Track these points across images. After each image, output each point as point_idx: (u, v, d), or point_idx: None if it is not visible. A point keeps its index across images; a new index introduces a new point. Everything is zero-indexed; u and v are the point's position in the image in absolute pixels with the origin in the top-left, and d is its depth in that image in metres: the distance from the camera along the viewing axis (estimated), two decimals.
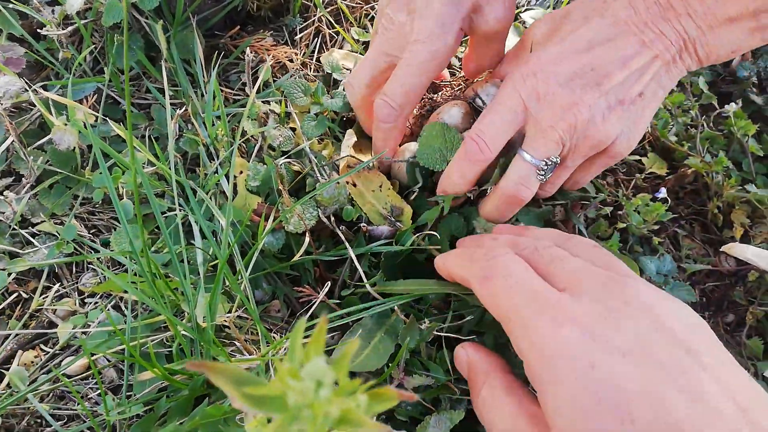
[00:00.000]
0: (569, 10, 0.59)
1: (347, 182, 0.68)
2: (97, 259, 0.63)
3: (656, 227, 0.70)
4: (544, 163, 0.58)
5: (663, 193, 0.68)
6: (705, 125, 0.78)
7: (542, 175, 0.59)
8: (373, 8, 0.87)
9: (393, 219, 0.67)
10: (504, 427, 0.47)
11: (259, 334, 0.57)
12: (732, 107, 0.79)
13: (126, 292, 0.59)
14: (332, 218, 0.67)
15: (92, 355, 0.54)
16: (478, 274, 0.51)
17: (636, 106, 0.57)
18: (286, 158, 0.70)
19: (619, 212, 0.71)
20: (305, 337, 0.59)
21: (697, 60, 0.55)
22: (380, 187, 0.69)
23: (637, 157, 0.78)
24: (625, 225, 0.69)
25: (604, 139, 0.57)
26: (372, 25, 0.83)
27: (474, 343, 0.57)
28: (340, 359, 0.24)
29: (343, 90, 0.77)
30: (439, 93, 0.77)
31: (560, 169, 0.61)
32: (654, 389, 0.38)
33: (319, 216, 0.65)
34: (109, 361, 0.58)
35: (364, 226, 0.66)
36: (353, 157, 0.70)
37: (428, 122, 0.68)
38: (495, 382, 0.51)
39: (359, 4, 0.87)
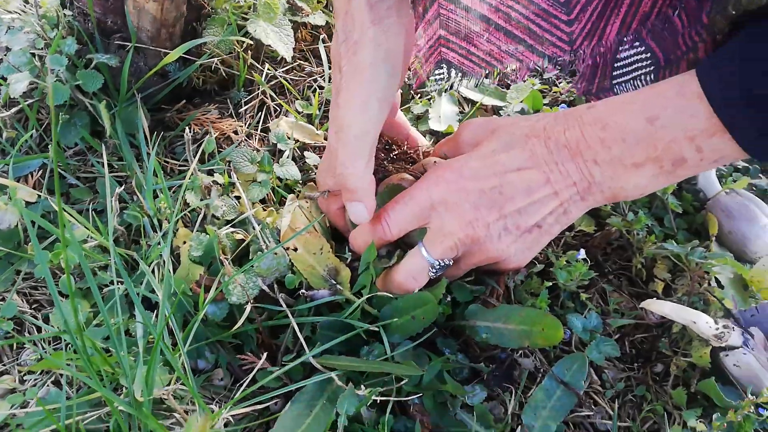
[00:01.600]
0: (498, 128, 0.65)
1: (287, 248, 0.70)
2: (38, 332, 0.64)
3: (585, 283, 0.74)
4: (438, 262, 0.65)
5: (582, 254, 0.72)
6: None
7: (433, 272, 0.66)
8: (315, 80, 0.91)
9: (333, 282, 0.70)
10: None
11: (197, 405, 0.58)
12: None
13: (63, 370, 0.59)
14: (275, 286, 0.69)
15: None
16: None
17: (532, 235, 0.64)
18: (230, 227, 0.73)
19: (551, 269, 0.74)
20: (244, 404, 0.60)
21: (604, 198, 0.61)
22: (321, 249, 0.71)
23: None
24: (554, 282, 0.72)
25: (496, 256, 0.64)
26: (314, 96, 0.87)
27: None
28: None
29: (289, 158, 0.81)
30: (391, 155, 0.80)
31: (452, 269, 0.68)
32: None
33: (260, 285, 0.67)
34: None
35: (303, 293, 0.68)
36: (292, 228, 0.73)
37: (387, 183, 0.72)
38: None
39: (302, 77, 0.92)
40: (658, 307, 0.66)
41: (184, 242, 0.71)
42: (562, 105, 0.94)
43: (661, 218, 0.83)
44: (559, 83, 1.01)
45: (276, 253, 0.67)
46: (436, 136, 0.89)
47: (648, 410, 0.68)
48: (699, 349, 0.67)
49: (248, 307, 0.66)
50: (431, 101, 0.92)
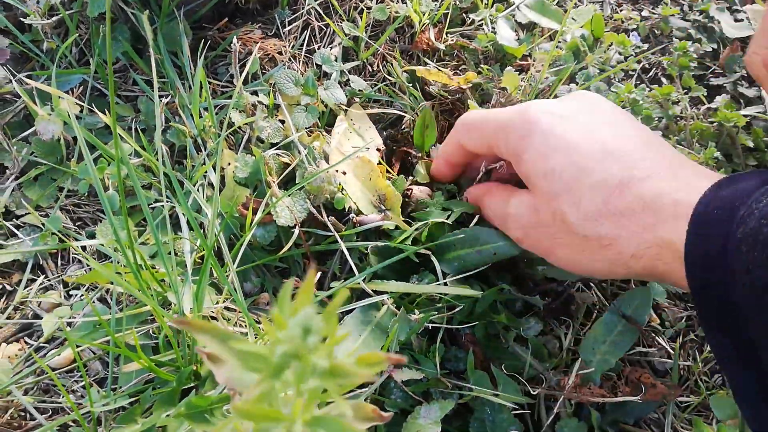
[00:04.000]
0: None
1: (337, 171, 0.67)
2: (83, 249, 0.62)
3: None
4: None
5: None
6: (695, 117, 0.78)
7: None
8: (362, 1, 0.86)
9: (383, 207, 0.67)
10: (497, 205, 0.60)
11: (247, 325, 0.56)
12: (721, 99, 0.79)
13: (112, 283, 0.58)
14: (322, 209, 0.67)
15: (77, 346, 0.53)
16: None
17: None
18: (275, 150, 0.70)
19: None
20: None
21: None
22: (370, 174, 0.68)
23: None
24: None
25: None
26: (361, 18, 0.82)
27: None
28: (328, 310, 0.23)
29: (335, 81, 0.77)
30: None
31: None
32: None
33: (308, 208, 0.65)
34: (94, 353, 0.57)
35: (354, 217, 0.65)
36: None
37: None
38: (493, 189, 0.62)
39: None
40: None
41: (229, 163, 0.68)
42: (633, 34, 0.88)
43: (730, 154, 0.78)
44: (621, 10, 0.94)
45: (328, 172, 0.64)
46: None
47: (710, 351, 0.65)
48: None
49: (296, 231, 0.63)
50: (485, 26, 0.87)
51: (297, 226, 0.63)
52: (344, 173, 0.68)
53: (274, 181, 0.66)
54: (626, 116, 0.56)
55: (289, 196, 0.64)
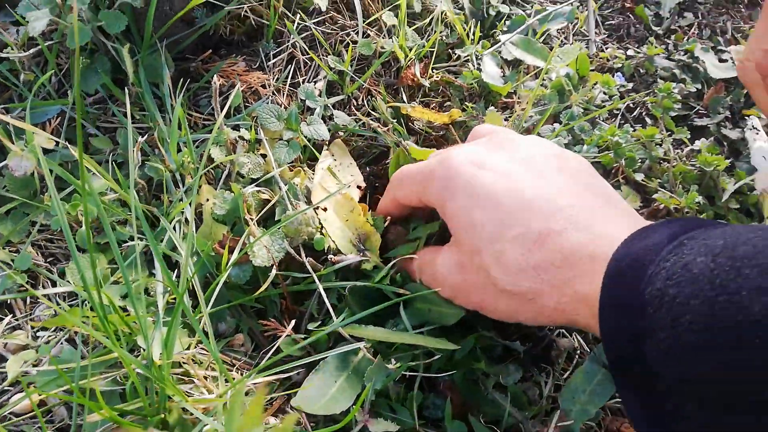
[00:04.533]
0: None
1: (319, 208, 0.66)
2: (53, 285, 0.61)
3: None
4: None
5: None
6: (678, 159, 0.78)
7: None
8: (348, 35, 0.86)
9: (362, 247, 0.66)
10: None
11: (218, 371, 0.55)
12: (703, 142, 0.79)
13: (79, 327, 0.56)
14: (300, 249, 0.65)
15: (42, 393, 0.51)
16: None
17: None
18: (254, 186, 0.69)
19: None
20: (266, 372, 0.57)
21: None
22: (351, 212, 0.67)
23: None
24: None
25: None
26: (347, 52, 0.82)
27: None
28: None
29: (319, 116, 0.76)
30: None
31: None
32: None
33: (286, 248, 0.64)
34: (60, 398, 0.55)
35: (331, 257, 0.64)
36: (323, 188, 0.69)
37: None
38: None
39: (334, 30, 0.86)
40: None
41: (207, 199, 0.67)
42: (617, 75, 0.88)
43: (712, 196, 0.77)
44: (607, 48, 0.95)
45: (305, 215, 0.63)
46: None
47: None
48: None
49: (273, 271, 0.62)
50: (470, 62, 0.87)
51: (274, 267, 0.62)
52: (325, 210, 0.67)
53: (252, 219, 0.65)
54: (555, 158, 0.55)
55: (267, 235, 0.63)
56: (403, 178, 0.62)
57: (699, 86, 0.90)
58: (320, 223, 0.66)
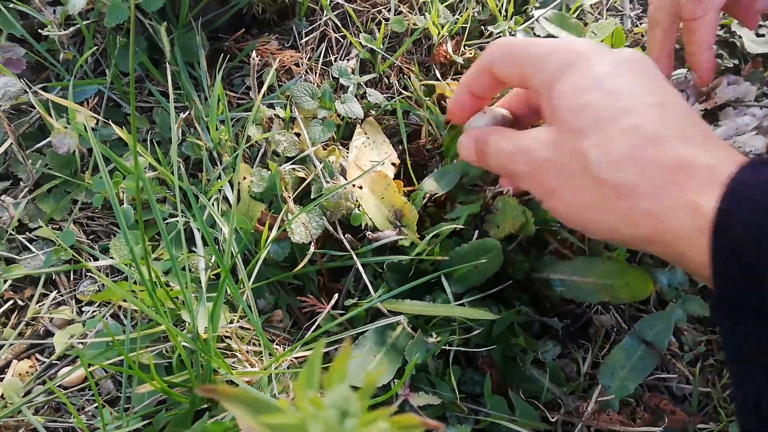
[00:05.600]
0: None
1: (354, 186, 0.66)
2: (96, 267, 0.62)
3: None
4: None
5: None
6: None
7: None
8: (380, 12, 0.86)
9: (398, 224, 0.66)
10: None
11: (262, 345, 0.55)
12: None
13: (125, 300, 0.57)
14: (338, 225, 0.66)
15: (89, 366, 0.52)
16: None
17: None
18: (290, 164, 0.69)
19: None
20: (306, 347, 0.57)
21: None
22: (386, 188, 0.67)
23: None
24: None
25: None
26: (379, 30, 0.81)
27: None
28: (365, 388, 0.22)
29: (352, 95, 0.76)
30: None
31: None
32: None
33: (324, 225, 0.64)
34: (106, 372, 0.56)
35: (369, 234, 0.64)
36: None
37: None
38: (503, 130, 0.55)
39: (366, 8, 0.86)
40: None
41: (245, 177, 0.68)
42: None
43: None
44: (641, 23, 0.93)
45: (345, 188, 0.63)
46: None
47: (729, 376, 0.64)
48: None
49: (311, 248, 0.63)
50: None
51: (312, 244, 0.62)
52: (360, 188, 0.67)
53: (289, 197, 0.65)
54: (674, 90, 0.51)
55: (305, 212, 0.63)
56: (509, 47, 0.54)
57: (736, 61, 0.88)
58: (357, 201, 0.66)
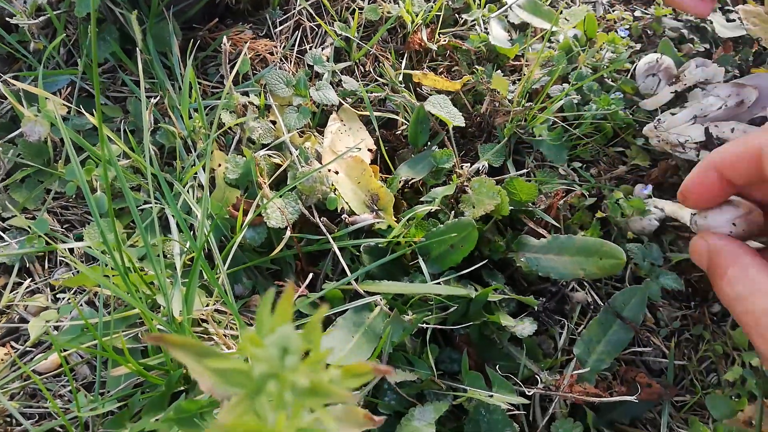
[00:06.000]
0: None
1: (329, 170, 0.66)
2: (70, 252, 0.61)
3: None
4: None
5: (649, 189, 0.68)
6: None
7: None
8: (354, 1, 0.86)
9: (375, 207, 0.66)
10: (762, 299, 0.41)
11: (238, 328, 0.55)
12: None
13: (99, 286, 0.57)
14: (314, 209, 0.66)
15: (64, 351, 0.52)
16: None
17: None
18: (265, 150, 0.69)
19: (602, 202, 0.70)
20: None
21: None
22: (362, 173, 0.68)
23: (621, 149, 0.77)
24: (605, 216, 0.68)
25: None
26: (353, 18, 0.82)
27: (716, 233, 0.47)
28: (309, 328, 0.23)
29: (327, 82, 0.76)
30: None
31: None
32: None
33: (300, 209, 0.64)
34: (81, 357, 0.56)
35: (346, 218, 0.65)
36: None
37: None
38: (746, 260, 0.43)
39: None
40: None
41: (220, 164, 0.68)
42: (620, 30, 0.88)
43: None
44: (614, 10, 0.94)
45: (320, 172, 0.63)
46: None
47: (705, 350, 0.65)
48: None
49: (287, 232, 0.63)
50: (477, 26, 0.86)
51: (288, 228, 0.63)
52: (336, 173, 0.68)
53: (264, 182, 0.65)
54: None
55: (280, 197, 0.63)
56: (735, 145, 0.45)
57: (707, 46, 0.90)
58: (333, 185, 0.66)
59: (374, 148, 0.74)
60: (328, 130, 0.72)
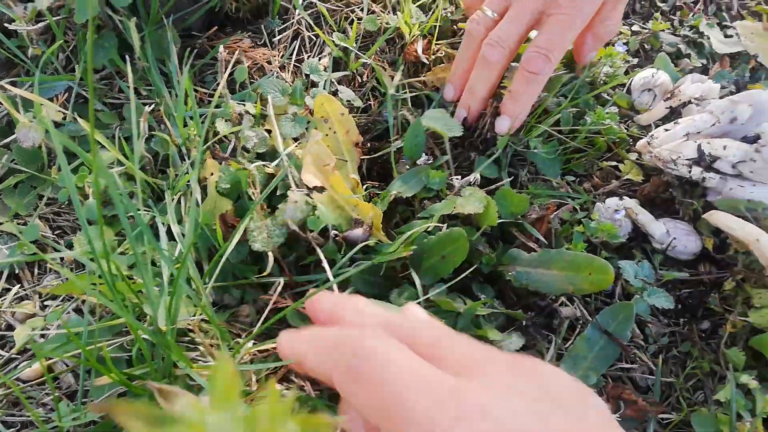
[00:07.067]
0: None
1: (314, 188, 0.66)
2: (60, 260, 0.62)
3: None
4: None
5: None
6: None
7: None
8: (353, 11, 0.86)
9: (362, 223, 0.66)
10: None
11: (219, 339, 0.56)
12: None
13: (86, 294, 0.57)
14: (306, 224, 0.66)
15: (49, 359, 0.52)
16: (343, 365, 0.37)
17: None
18: (260, 161, 0.69)
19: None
20: (271, 340, 0.57)
21: None
22: (347, 187, 0.67)
23: (614, 163, 0.77)
24: (586, 232, 0.68)
25: None
26: (351, 29, 0.82)
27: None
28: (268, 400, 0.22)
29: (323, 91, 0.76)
30: None
31: None
32: None
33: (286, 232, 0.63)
34: (67, 365, 0.56)
35: (337, 234, 0.64)
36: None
37: None
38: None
39: (339, 7, 0.86)
40: (721, 219, 0.61)
41: (212, 173, 0.68)
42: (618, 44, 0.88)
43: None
44: None
45: (296, 201, 0.63)
46: None
47: (692, 367, 0.65)
48: (761, 310, 0.62)
49: (270, 257, 0.62)
50: None
51: (270, 254, 0.62)
52: (321, 190, 0.67)
53: (254, 193, 0.65)
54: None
55: (268, 218, 0.63)
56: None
57: (704, 61, 0.90)
58: (315, 208, 0.65)
59: (359, 161, 0.74)
60: (308, 146, 0.71)
